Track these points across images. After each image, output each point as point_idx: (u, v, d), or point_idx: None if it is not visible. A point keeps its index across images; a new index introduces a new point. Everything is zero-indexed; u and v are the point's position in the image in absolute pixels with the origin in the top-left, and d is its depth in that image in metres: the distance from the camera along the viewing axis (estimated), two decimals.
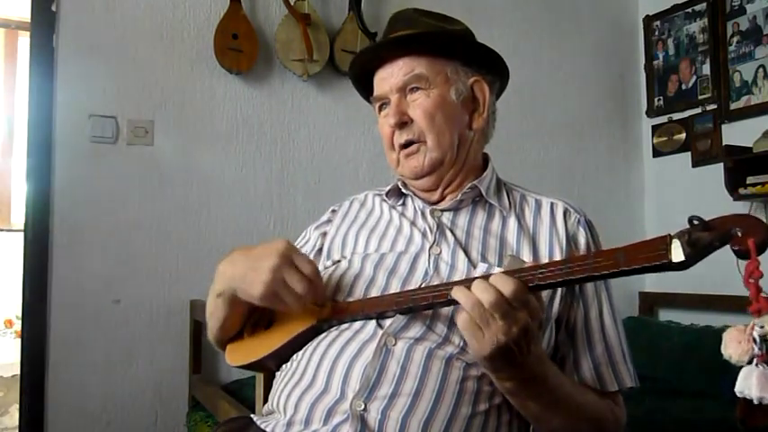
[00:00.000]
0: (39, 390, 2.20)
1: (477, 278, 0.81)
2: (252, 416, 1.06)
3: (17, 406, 2.42)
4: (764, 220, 0.66)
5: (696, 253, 0.65)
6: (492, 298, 0.78)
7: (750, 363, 0.59)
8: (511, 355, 0.80)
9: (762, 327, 0.57)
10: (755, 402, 0.59)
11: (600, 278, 0.75)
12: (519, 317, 0.79)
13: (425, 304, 0.91)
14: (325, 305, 1.04)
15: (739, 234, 0.64)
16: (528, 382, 0.87)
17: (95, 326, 2.28)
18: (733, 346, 0.59)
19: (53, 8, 2.27)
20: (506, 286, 0.78)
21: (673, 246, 0.66)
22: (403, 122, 1.09)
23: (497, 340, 0.78)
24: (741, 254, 0.64)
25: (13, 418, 3.48)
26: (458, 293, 0.81)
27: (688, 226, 0.66)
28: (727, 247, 0.67)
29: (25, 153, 2.29)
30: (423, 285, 0.99)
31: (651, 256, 0.68)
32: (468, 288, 0.80)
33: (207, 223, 2.46)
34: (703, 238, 0.64)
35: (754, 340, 0.58)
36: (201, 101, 2.48)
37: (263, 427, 0.98)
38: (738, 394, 0.60)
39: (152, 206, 2.38)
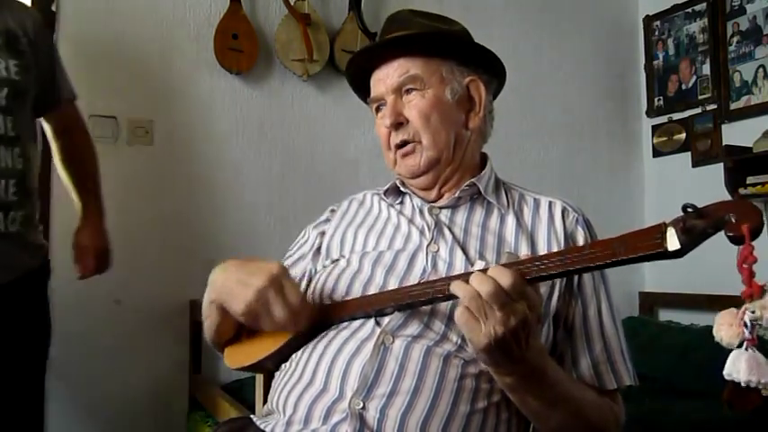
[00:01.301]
0: None
1: (475, 271, 0.81)
2: (251, 416, 1.06)
3: None
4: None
5: (691, 240, 0.65)
6: (490, 289, 0.77)
7: (740, 346, 0.59)
8: (509, 348, 0.80)
9: (753, 311, 0.57)
10: (743, 385, 0.59)
11: (597, 268, 0.75)
12: (517, 308, 0.78)
13: (423, 300, 0.91)
14: (323, 305, 1.04)
15: (733, 220, 0.64)
16: (528, 377, 0.86)
17: (95, 326, 2.27)
18: (724, 329, 0.59)
19: (53, 8, 2.28)
20: (504, 278, 0.78)
21: (668, 234, 0.66)
22: (399, 123, 1.10)
23: (495, 332, 0.78)
24: (735, 239, 0.64)
25: None
26: (456, 287, 0.81)
27: (682, 214, 0.67)
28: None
29: None
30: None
31: (647, 244, 0.68)
32: (467, 281, 0.80)
33: (207, 223, 2.46)
34: (698, 225, 0.65)
35: (745, 324, 0.58)
36: (201, 101, 2.49)
37: (262, 427, 0.98)
38: (726, 377, 0.61)
39: (152, 206, 2.38)
